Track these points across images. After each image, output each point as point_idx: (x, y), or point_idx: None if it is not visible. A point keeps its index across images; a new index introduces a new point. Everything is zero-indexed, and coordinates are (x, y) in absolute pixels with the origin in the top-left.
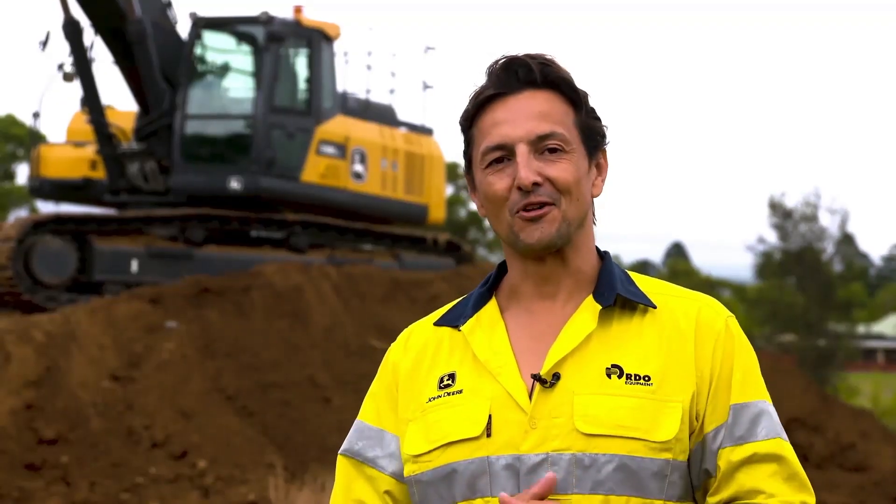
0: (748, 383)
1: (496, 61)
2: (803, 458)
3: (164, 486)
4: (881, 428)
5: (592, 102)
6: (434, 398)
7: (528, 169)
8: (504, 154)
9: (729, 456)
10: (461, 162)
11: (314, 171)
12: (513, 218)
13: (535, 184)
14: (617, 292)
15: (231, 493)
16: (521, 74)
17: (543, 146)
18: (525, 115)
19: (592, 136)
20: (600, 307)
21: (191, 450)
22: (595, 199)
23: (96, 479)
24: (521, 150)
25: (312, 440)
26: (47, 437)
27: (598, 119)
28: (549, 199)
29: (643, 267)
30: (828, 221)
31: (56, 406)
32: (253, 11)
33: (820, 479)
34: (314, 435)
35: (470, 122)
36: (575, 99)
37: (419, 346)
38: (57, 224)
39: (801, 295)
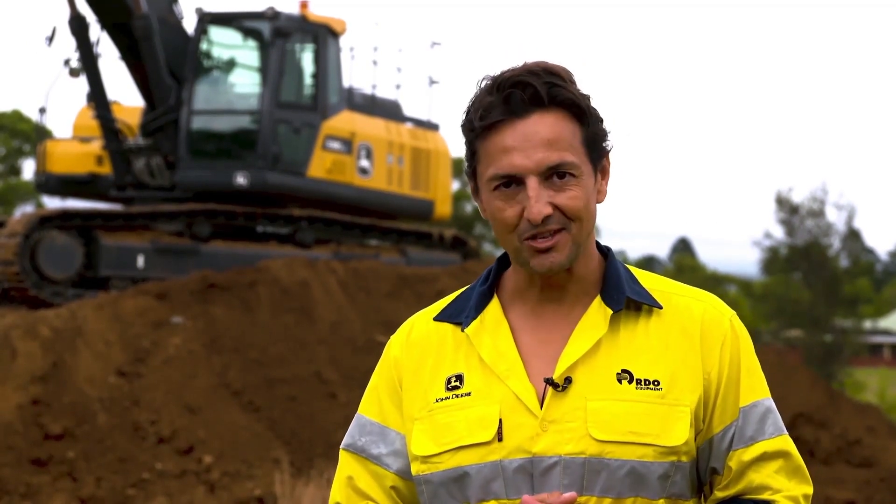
0: (754, 383)
1: (501, 78)
2: (809, 454)
3: (170, 481)
4: (887, 423)
5: (595, 103)
6: (442, 399)
7: (540, 203)
8: (512, 181)
9: (741, 457)
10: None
11: (320, 166)
12: (522, 244)
13: (546, 216)
14: (626, 295)
15: (237, 489)
16: (528, 96)
17: (552, 173)
18: (534, 143)
19: (598, 145)
20: (611, 311)
21: (197, 445)
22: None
23: (103, 474)
24: (532, 184)
25: (319, 436)
26: (54, 433)
27: (602, 121)
28: (559, 227)
29: (649, 263)
30: (834, 217)
31: (62, 401)
32: (259, 7)
33: (826, 474)
34: (320, 430)
35: (475, 134)
36: (581, 115)
37: (421, 342)
38: (63, 219)
39: (808, 290)
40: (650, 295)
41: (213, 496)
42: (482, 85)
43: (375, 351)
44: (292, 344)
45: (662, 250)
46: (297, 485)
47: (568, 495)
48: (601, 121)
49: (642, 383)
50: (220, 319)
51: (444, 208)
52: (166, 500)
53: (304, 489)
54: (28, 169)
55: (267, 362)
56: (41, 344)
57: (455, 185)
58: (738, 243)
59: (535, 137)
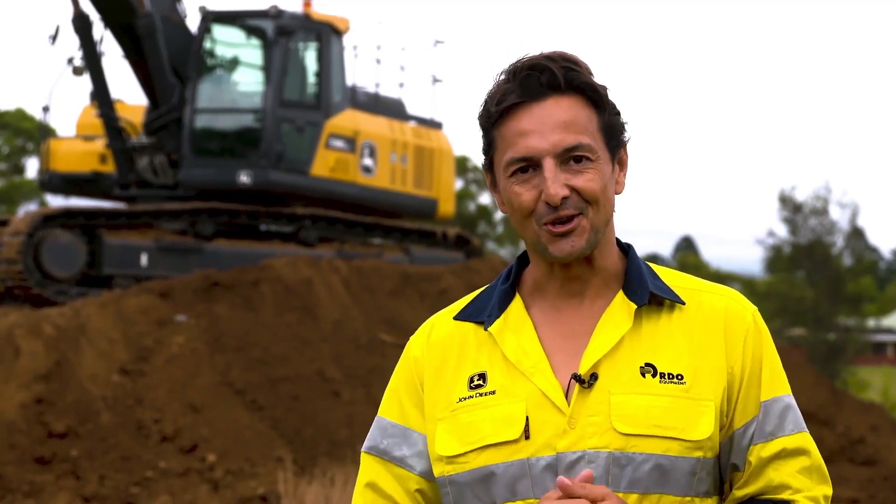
0: (775, 378)
1: (518, 64)
2: None
3: (173, 479)
4: (891, 422)
5: (611, 96)
6: (465, 398)
7: (557, 184)
8: (529, 164)
9: (760, 452)
10: (471, 156)
11: (323, 164)
12: (540, 228)
13: (563, 197)
14: (650, 290)
15: (240, 487)
16: (545, 80)
17: (569, 156)
18: (550, 125)
19: (615, 135)
20: (635, 306)
21: (200, 444)
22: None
23: (106, 472)
24: (549, 165)
25: (322, 434)
26: (57, 431)
27: (619, 113)
28: (576, 211)
29: (653, 261)
30: (838, 215)
31: (66, 400)
32: (262, 5)
33: (829, 473)
34: (323, 429)
35: (491, 122)
36: (598, 101)
37: (442, 342)
38: (66, 218)
39: (811, 289)
40: (672, 291)
41: (217, 495)
42: (499, 77)
43: (379, 349)
44: (295, 342)
45: (666, 248)
46: (300, 483)
47: (582, 475)
48: (618, 113)
49: (666, 377)
50: (224, 318)
51: (447, 207)
52: (169, 498)
53: (308, 488)
54: (31, 167)
55: (270, 361)
56: (44, 342)
57: (458, 184)
58: (742, 242)
59: (550, 120)
